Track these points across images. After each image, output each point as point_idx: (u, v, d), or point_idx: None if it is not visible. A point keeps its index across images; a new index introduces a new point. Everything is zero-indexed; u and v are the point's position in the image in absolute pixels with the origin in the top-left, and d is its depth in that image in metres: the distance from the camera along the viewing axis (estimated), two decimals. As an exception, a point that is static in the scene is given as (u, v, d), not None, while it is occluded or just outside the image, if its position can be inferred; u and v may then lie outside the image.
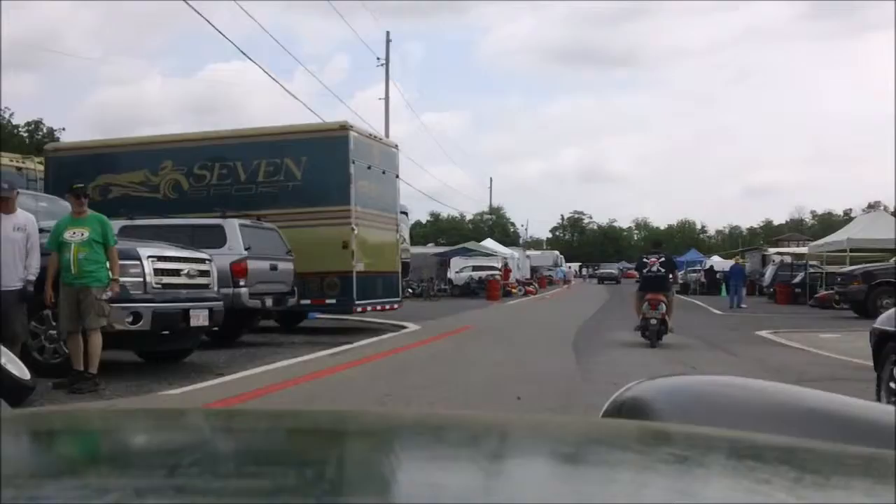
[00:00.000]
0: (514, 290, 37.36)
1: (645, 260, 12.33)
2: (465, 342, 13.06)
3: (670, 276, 12.24)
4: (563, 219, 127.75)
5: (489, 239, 45.51)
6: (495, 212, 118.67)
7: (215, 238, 11.11)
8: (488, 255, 39.13)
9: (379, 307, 14.38)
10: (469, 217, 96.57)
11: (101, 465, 0.71)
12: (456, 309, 23.14)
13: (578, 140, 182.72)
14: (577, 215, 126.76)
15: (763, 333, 15.18)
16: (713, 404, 1.09)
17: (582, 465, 0.74)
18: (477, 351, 11.57)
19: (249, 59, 54.56)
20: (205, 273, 8.94)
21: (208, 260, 9.11)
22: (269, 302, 11.63)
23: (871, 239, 24.67)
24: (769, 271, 33.20)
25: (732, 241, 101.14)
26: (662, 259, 12.16)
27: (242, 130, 14.93)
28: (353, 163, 13.44)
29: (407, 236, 35.18)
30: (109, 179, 14.47)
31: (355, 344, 11.72)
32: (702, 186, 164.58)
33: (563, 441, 0.85)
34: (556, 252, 73.04)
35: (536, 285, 41.63)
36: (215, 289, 9.18)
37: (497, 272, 37.29)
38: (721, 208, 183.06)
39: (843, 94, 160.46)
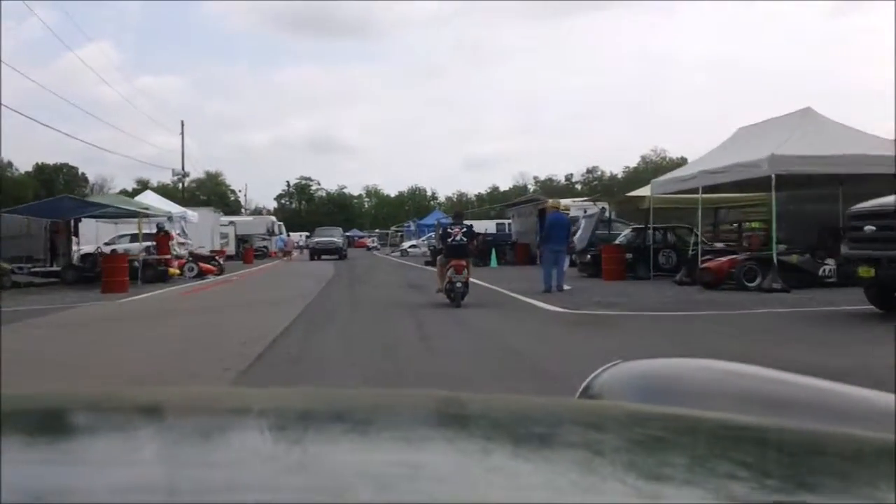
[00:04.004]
0: (175, 272, 22.28)
1: (449, 230, 13.10)
2: None
3: (470, 244, 13.17)
4: (289, 185, 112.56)
5: (148, 191, 29.52)
6: (213, 178, 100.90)
7: None
8: (142, 214, 22.98)
9: None
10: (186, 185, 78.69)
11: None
12: None
13: (307, 110, 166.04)
14: (304, 181, 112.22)
15: None
16: (690, 387, 1.02)
17: (557, 447, 0.70)
18: None
19: None
20: None
21: None
22: None
23: (809, 156, 13.06)
24: (582, 227, 21.07)
25: (463, 207, 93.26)
26: (465, 229, 13.00)
27: None
28: None
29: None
30: None
31: None
32: (428, 156, 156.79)
33: (538, 422, 0.82)
34: (273, 218, 57.86)
35: (220, 262, 26.47)
36: None
37: (146, 244, 22.22)
38: (446, 177, 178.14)
39: (555, 70, 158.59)
